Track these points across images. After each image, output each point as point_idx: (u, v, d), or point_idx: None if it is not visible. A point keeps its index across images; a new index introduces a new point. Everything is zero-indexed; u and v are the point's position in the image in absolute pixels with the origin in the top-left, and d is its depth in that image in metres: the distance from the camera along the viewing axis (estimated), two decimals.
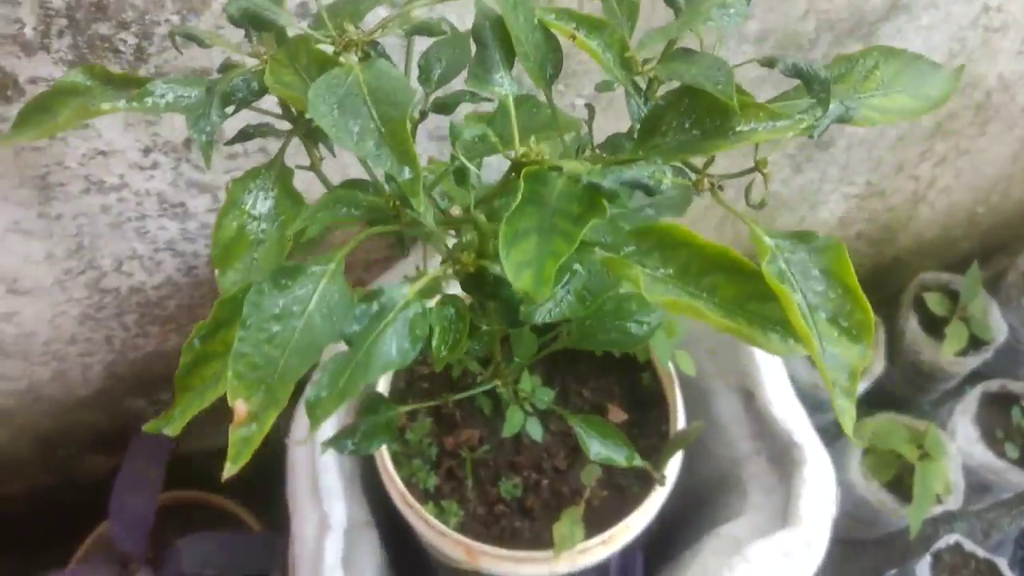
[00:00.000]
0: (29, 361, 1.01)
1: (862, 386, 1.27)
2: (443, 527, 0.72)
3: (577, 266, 0.32)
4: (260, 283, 0.29)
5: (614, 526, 0.72)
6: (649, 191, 0.31)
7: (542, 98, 0.35)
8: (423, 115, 0.38)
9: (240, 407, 0.29)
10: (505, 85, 0.34)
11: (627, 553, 0.98)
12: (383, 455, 0.75)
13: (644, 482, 0.75)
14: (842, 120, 0.38)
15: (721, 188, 0.37)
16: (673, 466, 0.75)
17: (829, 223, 1.23)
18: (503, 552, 0.71)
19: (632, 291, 0.56)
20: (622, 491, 0.76)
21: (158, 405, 1.17)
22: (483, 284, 0.48)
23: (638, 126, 0.34)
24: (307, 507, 0.76)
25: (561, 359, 0.82)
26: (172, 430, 0.35)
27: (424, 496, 0.75)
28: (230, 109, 0.35)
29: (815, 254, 0.33)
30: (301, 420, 0.81)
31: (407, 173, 0.27)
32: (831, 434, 1.30)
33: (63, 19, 0.64)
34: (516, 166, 0.30)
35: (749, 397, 0.84)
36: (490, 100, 0.36)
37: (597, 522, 0.73)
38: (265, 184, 0.36)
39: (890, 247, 1.35)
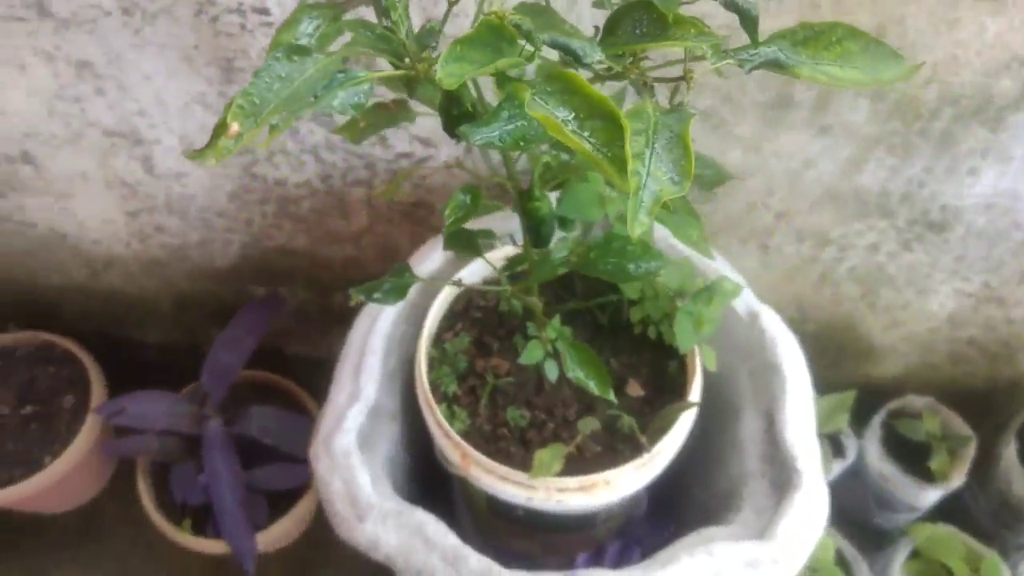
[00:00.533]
0: (185, 221, 1.19)
1: (934, 493, 1.23)
2: (448, 427, 0.80)
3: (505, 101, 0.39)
4: (278, 52, 0.39)
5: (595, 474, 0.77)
6: (577, 57, 0.39)
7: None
8: None
9: (233, 127, 0.40)
10: None
11: (625, 545, 1.02)
12: (421, 354, 0.84)
13: (640, 452, 0.80)
14: (776, 65, 0.43)
15: (651, 84, 0.44)
16: (670, 444, 0.80)
17: (937, 316, 1.21)
18: (491, 464, 0.78)
19: (640, 239, 0.63)
20: (615, 454, 0.81)
21: (276, 297, 1.33)
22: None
23: (602, 25, 0.41)
24: (346, 378, 0.87)
25: (604, 331, 0.89)
26: None
27: (443, 398, 0.83)
28: None
29: (676, 124, 0.38)
30: (366, 313, 0.92)
31: None
32: (886, 539, 1.26)
33: None
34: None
35: (770, 420, 0.86)
36: None
37: (582, 472, 0.78)
38: (319, 14, 0.47)
39: (1007, 366, 1.30)
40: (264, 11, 0.88)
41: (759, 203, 1.05)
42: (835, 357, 1.32)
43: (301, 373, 1.32)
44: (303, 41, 0.47)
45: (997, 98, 0.88)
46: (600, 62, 0.39)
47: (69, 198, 1.17)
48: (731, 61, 0.43)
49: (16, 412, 1.23)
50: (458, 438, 0.79)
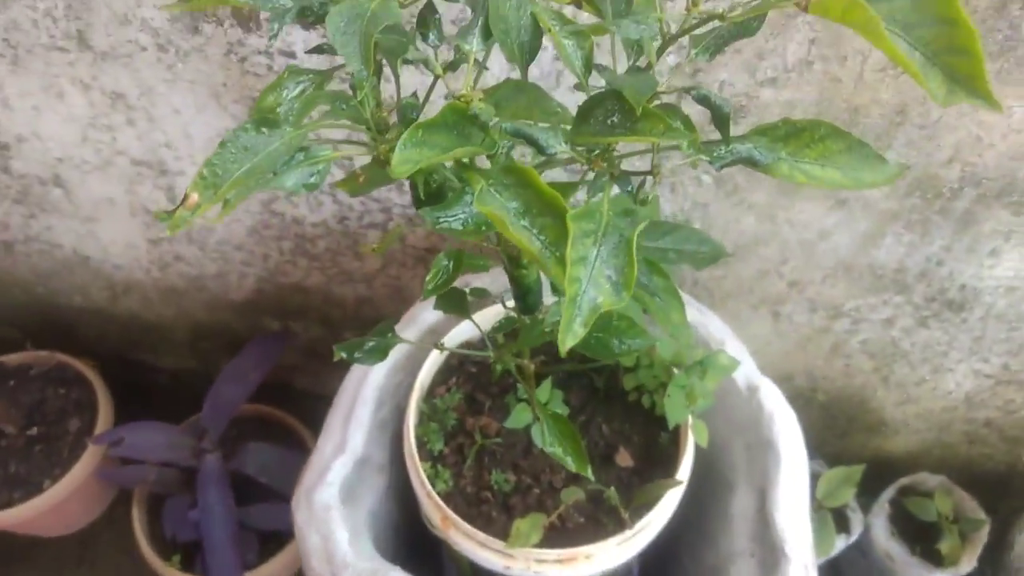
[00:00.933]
0: (204, 252, 1.21)
1: None
2: (430, 487, 0.79)
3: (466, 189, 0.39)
4: (247, 124, 0.40)
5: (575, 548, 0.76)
6: (540, 148, 0.39)
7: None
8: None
9: (193, 197, 0.40)
10: (473, 44, 0.43)
11: None
12: (410, 410, 0.84)
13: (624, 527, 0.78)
14: (751, 162, 0.42)
15: (615, 175, 0.43)
16: (653, 521, 0.78)
17: (954, 396, 1.17)
18: (470, 529, 0.77)
19: (625, 315, 0.62)
20: (599, 527, 0.79)
21: (288, 332, 1.34)
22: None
23: (575, 116, 0.41)
24: (335, 428, 0.86)
25: (599, 395, 0.88)
26: None
27: (427, 455, 0.83)
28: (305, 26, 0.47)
29: (628, 227, 0.37)
30: (356, 370, 0.92)
31: (361, 70, 0.37)
32: None
33: None
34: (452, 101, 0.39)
35: (763, 498, 0.84)
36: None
37: (562, 543, 0.77)
38: (307, 78, 0.47)
39: None
40: (291, 54, 0.89)
41: (772, 271, 1.03)
42: (845, 428, 1.28)
43: (307, 409, 1.32)
44: (285, 106, 0.47)
45: (1022, 182, 0.86)
46: (564, 153, 0.39)
47: (95, 222, 1.20)
48: (704, 157, 0.42)
49: (23, 433, 1.25)
50: (439, 500, 0.78)
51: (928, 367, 1.13)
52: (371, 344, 0.65)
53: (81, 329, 1.44)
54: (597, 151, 0.42)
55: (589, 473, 0.65)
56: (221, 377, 1.16)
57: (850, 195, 0.91)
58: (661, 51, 0.42)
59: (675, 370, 0.80)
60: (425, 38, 0.47)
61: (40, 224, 1.22)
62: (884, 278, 1.01)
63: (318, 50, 0.51)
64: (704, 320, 0.92)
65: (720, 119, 0.41)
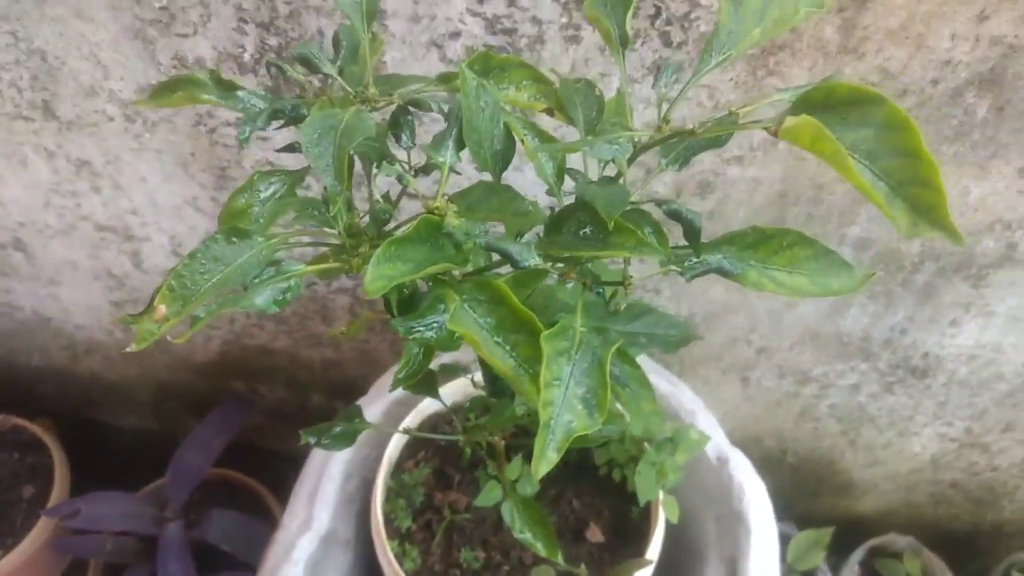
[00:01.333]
0: None
1: None
2: (397, 566, 0.77)
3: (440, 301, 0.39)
4: (218, 234, 0.39)
5: None
6: (514, 262, 0.39)
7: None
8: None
9: (161, 309, 0.39)
10: (447, 156, 0.43)
11: None
12: (377, 486, 0.83)
13: None
14: (721, 272, 0.43)
15: (589, 287, 0.43)
16: None
17: (920, 458, 1.18)
18: None
19: None
20: None
21: (254, 394, 1.32)
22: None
23: (547, 223, 0.41)
24: (300, 504, 0.85)
25: (570, 468, 0.87)
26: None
27: (395, 533, 0.81)
28: (278, 124, 0.47)
29: (601, 347, 0.37)
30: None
31: (335, 185, 0.37)
32: None
33: (272, 54, 0.81)
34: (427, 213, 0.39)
35: (733, 569, 0.83)
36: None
37: None
38: (278, 180, 0.47)
39: (991, 511, 1.26)
40: (264, 137, 0.89)
41: (741, 338, 1.04)
42: (815, 489, 1.29)
43: (272, 469, 1.30)
44: (256, 208, 0.47)
45: (979, 256, 0.88)
46: (537, 265, 0.39)
47: (57, 285, 1.18)
48: (676, 269, 0.42)
49: None
50: None
51: (894, 431, 1.14)
52: (338, 429, 0.64)
53: (39, 388, 1.40)
54: (568, 261, 0.42)
55: (560, 559, 0.64)
56: (185, 444, 1.13)
57: None
58: (631, 161, 0.43)
59: (646, 445, 0.80)
60: (398, 140, 0.47)
61: (0, 287, 1.20)
62: (850, 346, 1.02)
63: (289, 149, 0.51)
64: (675, 391, 0.93)
65: (691, 233, 0.41)
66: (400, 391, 0.90)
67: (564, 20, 0.73)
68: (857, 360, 1.04)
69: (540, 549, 0.63)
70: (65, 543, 1.13)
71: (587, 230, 0.40)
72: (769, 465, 1.26)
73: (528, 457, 0.82)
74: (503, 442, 0.81)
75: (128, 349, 0.39)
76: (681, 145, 0.43)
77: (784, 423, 1.17)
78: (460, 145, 0.44)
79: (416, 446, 0.88)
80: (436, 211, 0.39)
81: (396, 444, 0.86)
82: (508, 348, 0.36)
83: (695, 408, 0.91)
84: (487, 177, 0.44)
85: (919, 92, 0.74)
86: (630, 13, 0.42)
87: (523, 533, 0.63)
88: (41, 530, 1.18)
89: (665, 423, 0.81)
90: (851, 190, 0.83)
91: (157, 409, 1.41)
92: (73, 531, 1.16)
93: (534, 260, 0.39)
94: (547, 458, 0.36)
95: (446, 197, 0.44)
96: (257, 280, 0.39)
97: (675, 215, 0.41)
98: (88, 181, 1.00)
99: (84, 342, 1.28)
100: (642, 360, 0.96)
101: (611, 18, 0.42)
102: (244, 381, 1.29)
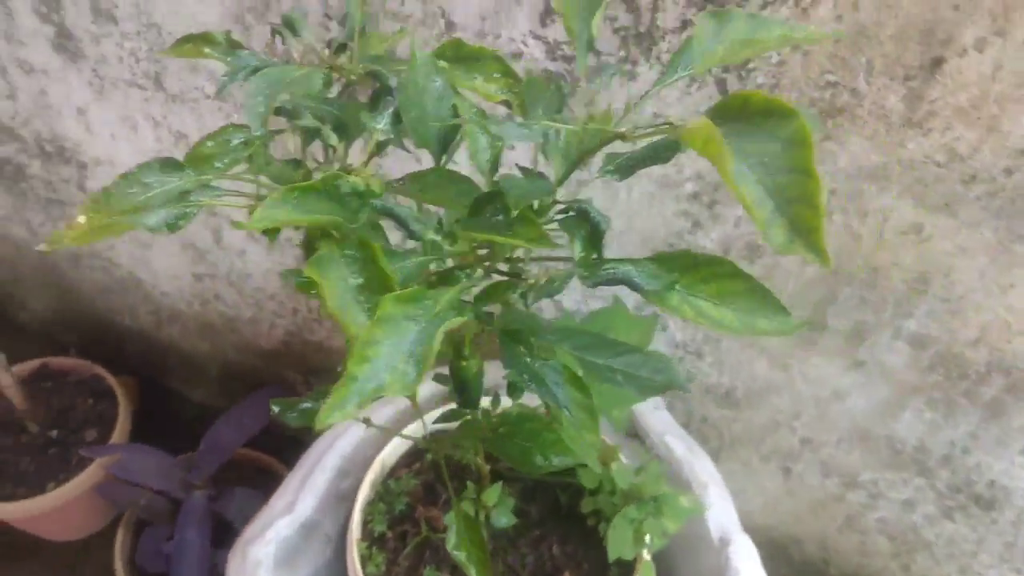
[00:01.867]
0: (241, 295, 1.25)
1: None
2: (358, 566, 0.77)
3: None
4: (153, 162, 0.41)
5: None
6: (410, 233, 0.38)
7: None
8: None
9: (80, 220, 0.41)
10: (380, 123, 0.43)
11: None
12: (364, 484, 0.82)
13: None
14: (631, 285, 0.39)
15: (486, 271, 0.41)
16: None
17: None
18: None
19: (554, 430, 0.60)
20: None
21: (307, 387, 1.35)
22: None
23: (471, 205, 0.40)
24: (290, 488, 0.86)
25: (561, 513, 0.84)
26: None
27: (368, 535, 0.80)
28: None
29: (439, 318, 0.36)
30: (335, 428, 0.91)
31: (259, 129, 0.39)
32: None
33: None
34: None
35: None
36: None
37: None
38: (247, 132, 0.49)
39: None
40: None
41: (784, 423, 0.97)
42: None
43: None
44: (221, 156, 0.48)
45: None
46: (431, 239, 0.38)
47: (149, 249, 1.26)
48: (582, 271, 0.40)
49: (43, 433, 1.30)
50: None
51: (954, 565, 1.02)
52: (305, 405, 0.65)
53: (128, 348, 1.50)
54: (477, 246, 0.41)
55: None
56: (223, 418, 1.18)
57: (868, 357, 0.85)
58: (578, 162, 0.41)
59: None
60: (374, 111, 0.48)
61: (105, 243, 1.30)
62: (903, 454, 0.93)
63: (275, 112, 0.53)
64: (692, 458, 0.87)
65: (594, 236, 0.39)
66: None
67: (622, 54, 0.73)
68: (911, 472, 0.94)
69: (472, 572, 0.61)
70: (105, 488, 1.19)
71: (500, 217, 0.39)
72: (810, 574, 1.16)
73: (527, 492, 0.80)
74: (488, 466, 0.79)
75: (38, 248, 0.41)
76: (624, 156, 0.41)
77: (828, 528, 1.08)
78: (398, 119, 0.44)
79: (414, 456, 0.88)
80: (353, 172, 0.40)
81: (393, 449, 0.86)
82: (367, 309, 0.36)
83: (709, 481, 0.85)
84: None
85: (990, 180, 0.68)
86: (599, 13, 0.41)
87: (458, 551, 0.61)
88: (92, 473, 1.25)
89: (619, 462, 0.77)
90: (907, 278, 0.77)
91: (223, 387, 1.47)
92: (118, 481, 1.22)
93: (429, 234, 0.38)
94: (344, 411, 0.34)
95: (401, 180, 0.44)
96: (159, 205, 0.40)
97: (582, 215, 0.39)
98: (183, 152, 1.07)
99: (167, 309, 1.36)
100: (667, 420, 0.92)
101: (579, 16, 0.41)
102: (300, 373, 1.33)
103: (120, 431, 1.29)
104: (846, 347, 0.86)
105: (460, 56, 0.45)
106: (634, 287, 0.40)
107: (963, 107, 0.64)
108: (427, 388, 0.90)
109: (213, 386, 1.48)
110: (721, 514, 0.83)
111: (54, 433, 1.30)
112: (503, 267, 0.42)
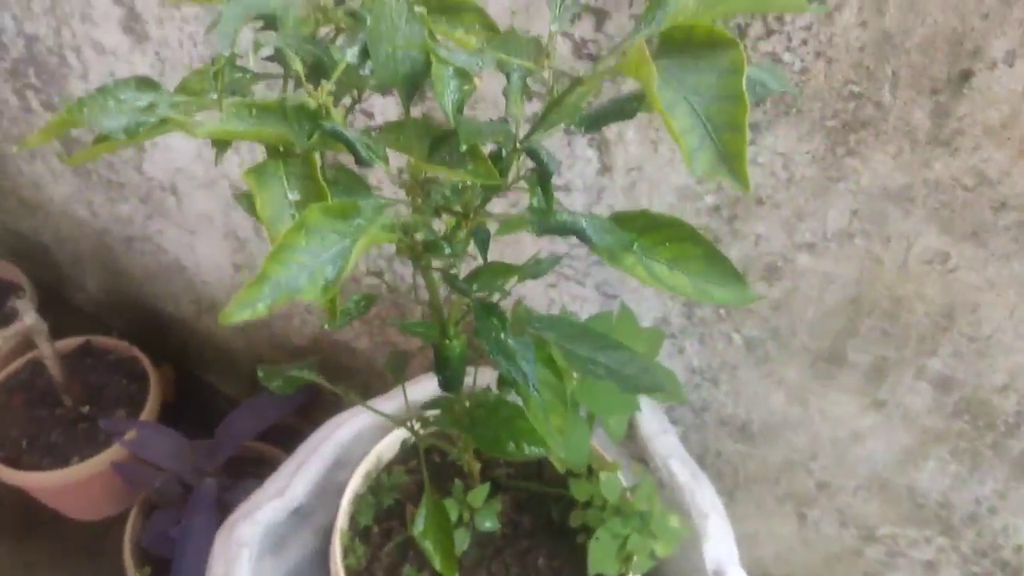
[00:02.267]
0: None
1: None
2: (338, 556, 0.75)
3: None
4: (131, 79, 0.42)
5: None
6: (359, 159, 0.38)
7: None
8: None
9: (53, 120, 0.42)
10: (347, 56, 0.43)
11: None
12: (356, 474, 0.82)
13: None
14: (580, 236, 0.38)
15: (421, 203, 0.40)
16: None
17: None
18: None
19: (528, 420, 0.58)
20: None
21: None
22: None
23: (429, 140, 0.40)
24: (285, 472, 0.85)
25: (553, 527, 0.81)
26: None
27: (352, 526, 0.79)
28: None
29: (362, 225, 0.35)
30: (337, 417, 0.91)
31: (227, 48, 0.39)
32: None
33: None
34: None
35: None
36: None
37: None
38: (239, 71, 0.50)
39: None
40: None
41: (800, 464, 0.93)
42: None
43: None
44: (211, 95, 0.49)
45: None
46: (379, 165, 0.38)
47: (195, 235, 1.30)
48: (528, 218, 0.39)
49: (76, 408, 1.33)
50: (340, 570, 0.74)
51: None
52: (290, 373, 0.65)
53: (170, 337, 1.54)
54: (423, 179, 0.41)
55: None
56: (240, 408, 1.19)
57: (889, 398, 0.81)
58: (546, 115, 0.40)
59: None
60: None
61: (155, 226, 1.34)
62: (926, 509, 0.87)
63: (271, 59, 0.54)
64: (695, 486, 0.84)
65: (543, 175, 0.38)
66: (418, 394, 0.89)
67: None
68: (934, 530, 0.89)
69: (436, 563, 0.59)
70: (122, 466, 1.21)
71: (456, 155, 0.38)
72: None
73: (496, 486, 0.78)
74: (479, 465, 0.78)
75: (12, 150, 0.42)
76: (591, 107, 0.40)
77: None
78: (366, 55, 0.44)
79: (412, 452, 0.86)
80: (311, 96, 0.40)
81: (390, 443, 0.85)
82: (294, 215, 0.35)
83: (711, 511, 0.81)
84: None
85: (1021, 209, 0.64)
86: None
87: (425, 538, 0.59)
88: (113, 452, 1.27)
89: (587, 450, 0.73)
90: (931, 312, 0.73)
91: (255, 382, 1.48)
92: (136, 461, 1.24)
93: (377, 161, 0.38)
94: (254, 309, 0.34)
95: (377, 129, 0.44)
96: (129, 115, 0.41)
97: (532, 154, 0.38)
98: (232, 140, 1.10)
99: (208, 298, 1.39)
100: (673, 444, 0.89)
101: None
102: (328, 377, 1.33)
103: (148, 413, 1.32)
104: (866, 385, 0.82)
105: (444, 6, 0.45)
106: (585, 240, 0.39)
107: (993, 126, 0.61)
108: (427, 387, 0.89)
109: (245, 383, 1.50)
110: (719, 546, 0.79)
111: (86, 408, 1.34)
112: (458, 209, 0.41)
